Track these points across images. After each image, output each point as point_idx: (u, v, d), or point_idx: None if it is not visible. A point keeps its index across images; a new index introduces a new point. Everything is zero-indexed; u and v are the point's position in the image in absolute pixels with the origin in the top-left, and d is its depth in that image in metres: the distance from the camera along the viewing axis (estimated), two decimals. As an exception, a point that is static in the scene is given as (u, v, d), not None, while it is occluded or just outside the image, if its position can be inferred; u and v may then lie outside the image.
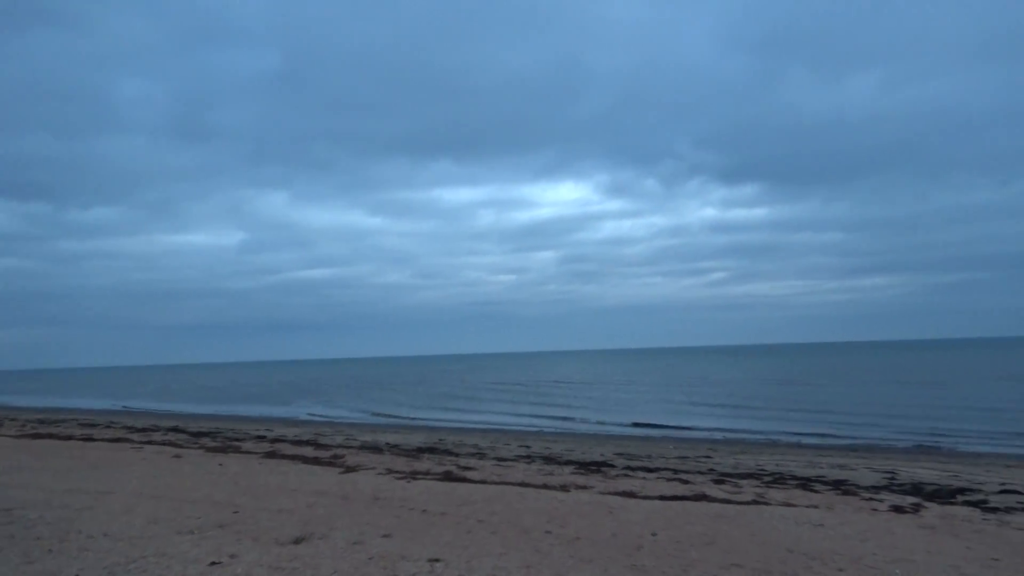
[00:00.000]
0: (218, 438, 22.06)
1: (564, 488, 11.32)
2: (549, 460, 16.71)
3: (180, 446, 18.73)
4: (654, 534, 7.60)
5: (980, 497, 11.55)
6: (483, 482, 11.94)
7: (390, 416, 37.97)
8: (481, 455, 17.78)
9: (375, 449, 18.79)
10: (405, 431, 27.49)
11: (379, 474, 12.87)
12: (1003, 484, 13.24)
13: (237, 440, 21.37)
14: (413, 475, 12.78)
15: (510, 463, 15.77)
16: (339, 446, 19.54)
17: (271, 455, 16.49)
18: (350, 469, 13.68)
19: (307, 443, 20.43)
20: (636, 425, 29.66)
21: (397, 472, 13.21)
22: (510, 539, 7.39)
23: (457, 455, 17.61)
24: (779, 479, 13.63)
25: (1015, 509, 10.33)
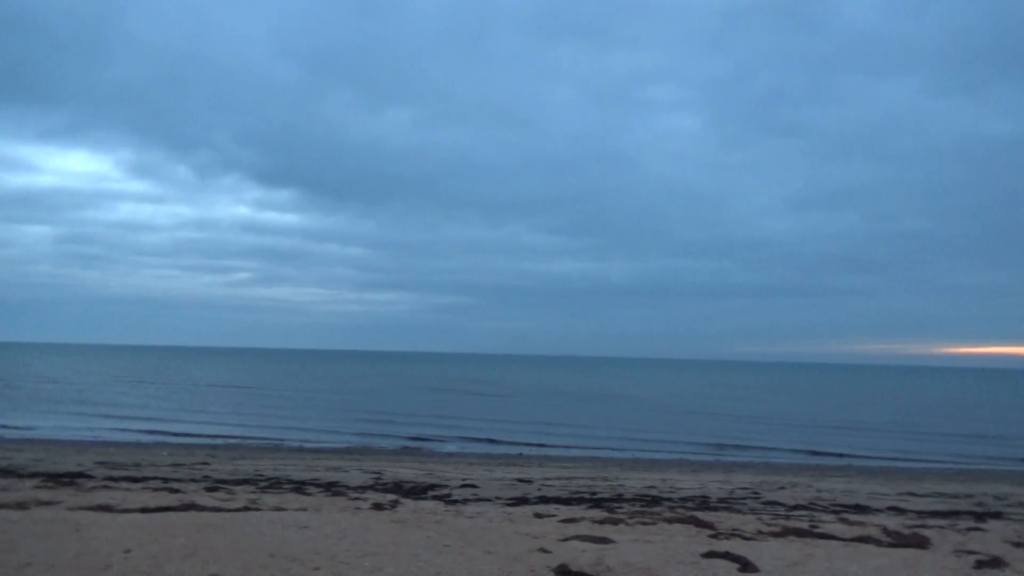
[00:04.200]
0: None
1: (21, 506, 9.62)
2: (7, 473, 14.08)
3: None
4: (128, 551, 6.94)
5: (446, 491, 13.34)
6: (-97, 504, 9.46)
7: None
8: (-93, 469, 14.11)
9: None
10: None
11: None
12: (464, 479, 15.53)
13: None
14: None
15: (-50, 478, 12.84)
16: None
17: None
18: None
19: None
20: (135, 430, 27.00)
21: None
22: (-70, 574, 5.97)
23: None
24: (275, 483, 13.77)
25: (470, 500, 12.18)
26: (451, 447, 25.12)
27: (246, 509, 9.95)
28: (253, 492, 12.19)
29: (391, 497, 12.13)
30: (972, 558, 7.08)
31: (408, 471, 17.03)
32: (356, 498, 11.80)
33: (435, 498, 12.36)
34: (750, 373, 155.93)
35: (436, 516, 9.80)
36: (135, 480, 13.42)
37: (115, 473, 14.59)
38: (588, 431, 30.99)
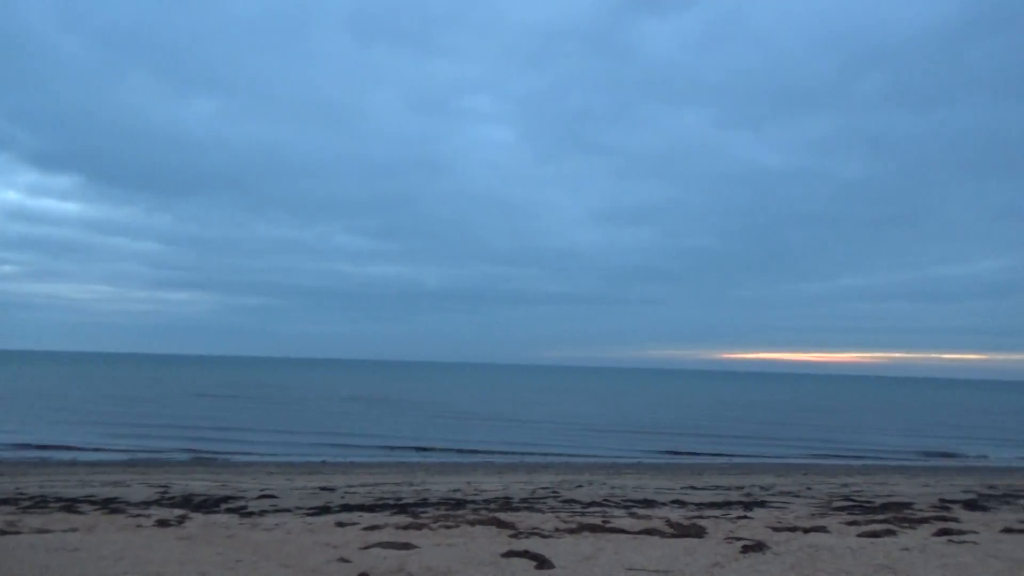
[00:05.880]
0: None
1: None
2: None
3: None
4: None
5: (241, 504, 12.61)
6: None
7: None
8: None
9: None
10: None
11: None
12: (263, 489, 14.78)
13: None
14: None
15: None
16: None
17: None
18: None
19: None
20: None
21: None
22: None
23: None
24: (40, 502, 12.31)
25: (268, 512, 11.60)
26: (248, 457, 23.80)
27: (3, 533, 8.79)
28: (12, 513, 10.82)
29: (179, 512, 11.27)
30: (739, 543, 7.84)
31: (200, 483, 15.93)
32: (138, 515, 10.83)
33: (229, 511, 11.65)
34: (556, 377, 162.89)
35: (229, 530, 9.23)
36: None
37: None
38: (391, 438, 30.70)
